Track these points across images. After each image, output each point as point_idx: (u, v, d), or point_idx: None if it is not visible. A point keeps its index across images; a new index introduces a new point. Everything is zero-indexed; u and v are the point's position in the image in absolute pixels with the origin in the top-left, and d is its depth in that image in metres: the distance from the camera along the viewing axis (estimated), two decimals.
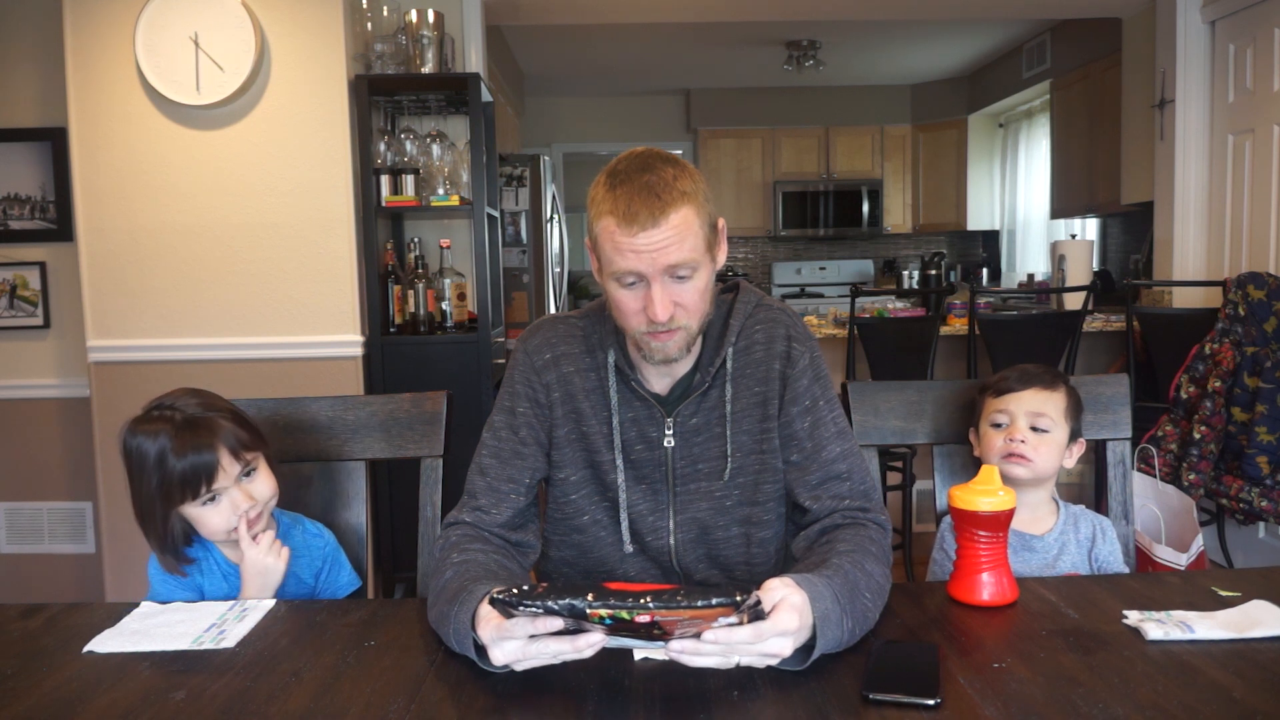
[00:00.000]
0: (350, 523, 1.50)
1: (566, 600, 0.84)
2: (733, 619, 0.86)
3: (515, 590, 0.87)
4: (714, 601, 0.82)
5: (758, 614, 0.90)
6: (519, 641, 0.93)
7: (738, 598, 0.82)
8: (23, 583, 3.27)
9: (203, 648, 1.07)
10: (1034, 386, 1.45)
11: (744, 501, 1.29)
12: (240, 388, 1.39)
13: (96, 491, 3.00)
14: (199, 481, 1.24)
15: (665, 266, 1.15)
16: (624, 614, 0.83)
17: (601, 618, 0.85)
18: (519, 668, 0.95)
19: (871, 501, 1.26)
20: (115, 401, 2.91)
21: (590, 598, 0.84)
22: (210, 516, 1.26)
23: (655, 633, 0.88)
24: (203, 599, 1.30)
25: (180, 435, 1.23)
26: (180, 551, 1.29)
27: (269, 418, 1.47)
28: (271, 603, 1.21)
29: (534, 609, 0.86)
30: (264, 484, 1.31)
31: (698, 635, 0.90)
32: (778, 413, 1.29)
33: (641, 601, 0.82)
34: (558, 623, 0.90)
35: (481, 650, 0.99)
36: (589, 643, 0.92)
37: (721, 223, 1.25)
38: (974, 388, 1.54)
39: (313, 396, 1.52)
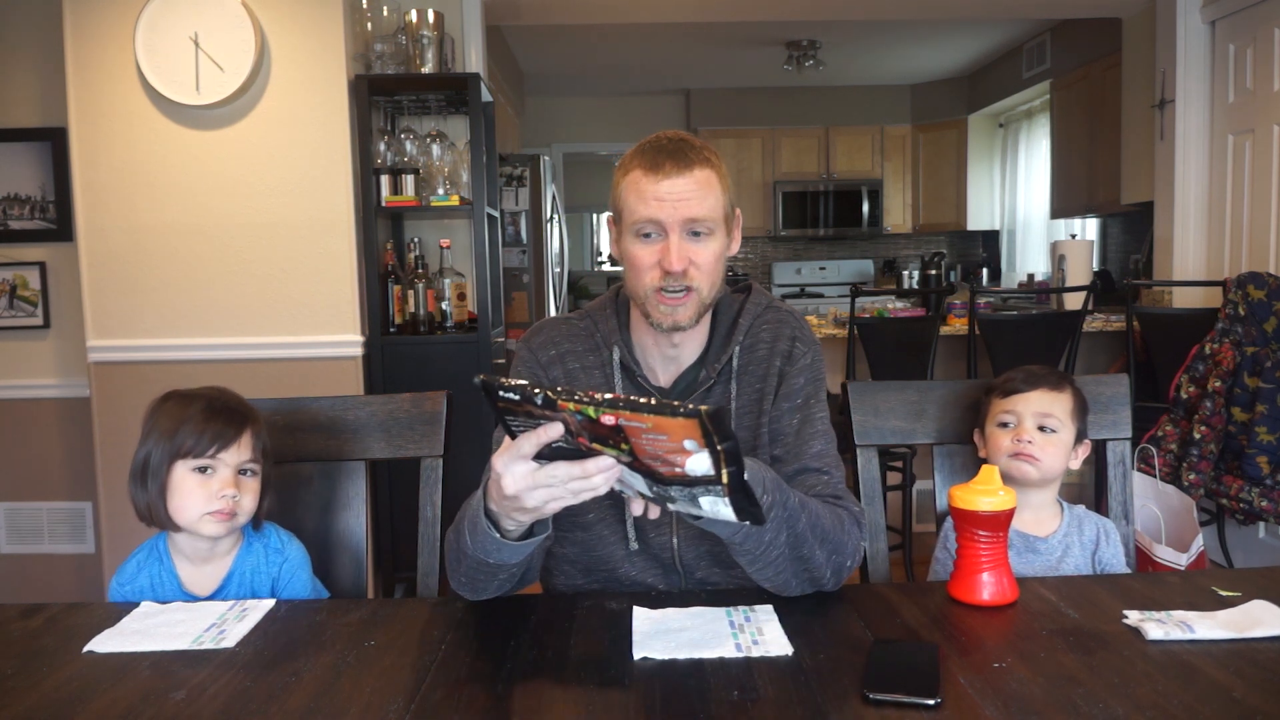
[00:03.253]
0: (350, 523, 1.50)
1: (541, 392, 0.89)
2: (703, 452, 0.87)
3: (496, 378, 0.93)
4: (679, 410, 0.84)
5: (734, 458, 0.88)
6: (527, 465, 0.95)
7: (704, 408, 0.84)
8: (23, 583, 3.27)
9: (203, 648, 1.07)
10: (1041, 387, 1.45)
11: None
12: (240, 387, 1.38)
13: (96, 491, 3.00)
14: (211, 443, 1.26)
15: (685, 219, 1.20)
16: (590, 410, 0.87)
17: (570, 410, 0.89)
18: (548, 508, 0.98)
19: (846, 496, 1.27)
20: (115, 401, 2.91)
21: (560, 390, 0.89)
22: (194, 487, 1.26)
23: (623, 447, 0.91)
24: None
25: (217, 404, 1.30)
26: (169, 513, 1.28)
27: (269, 418, 1.46)
28: (271, 603, 1.21)
29: (510, 394, 0.91)
30: (253, 491, 1.31)
31: (663, 474, 0.91)
32: (770, 406, 1.30)
33: (608, 398, 0.86)
34: (558, 429, 0.92)
35: (496, 523, 1.05)
36: (598, 466, 0.93)
37: (738, 212, 1.30)
38: (975, 388, 1.54)
39: (313, 396, 1.52)
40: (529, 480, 0.96)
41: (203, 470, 1.27)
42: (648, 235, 1.22)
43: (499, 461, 0.97)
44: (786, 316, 1.35)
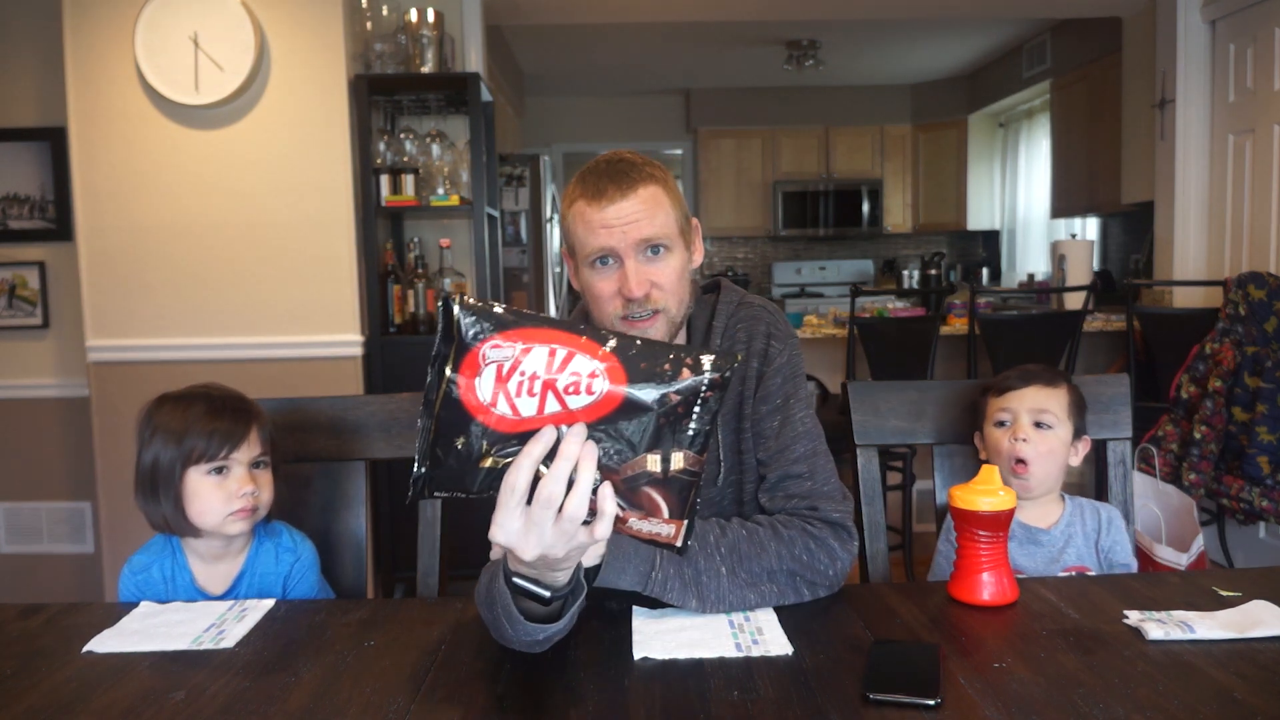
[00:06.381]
0: (350, 523, 1.50)
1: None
2: (655, 467, 0.83)
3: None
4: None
5: (681, 483, 0.84)
6: (509, 517, 0.85)
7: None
8: (22, 583, 3.27)
9: (202, 648, 1.07)
10: (1035, 384, 1.46)
11: (734, 501, 1.29)
12: (240, 387, 1.38)
13: (96, 491, 3.00)
14: (221, 444, 1.26)
15: (637, 241, 1.16)
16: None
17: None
18: (577, 550, 0.88)
19: (825, 502, 1.21)
20: (114, 401, 2.91)
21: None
22: (212, 490, 1.26)
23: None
24: None
25: (218, 403, 1.28)
26: (187, 518, 1.27)
27: (269, 418, 1.46)
28: (271, 603, 1.21)
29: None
30: (269, 483, 1.32)
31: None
32: (750, 410, 1.28)
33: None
34: (550, 434, 0.83)
35: (521, 592, 0.95)
36: (545, 440, 0.83)
37: (695, 221, 1.27)
38: (975, 388, 1.54)
39: (313, 396, 1.52)
40: (518, 520, 0.85)
41: (217, 471, 1.27)
42: (605, 262, 1.18)
43: (496, 532, 0.86)
44: (759, 312, 1.31)
